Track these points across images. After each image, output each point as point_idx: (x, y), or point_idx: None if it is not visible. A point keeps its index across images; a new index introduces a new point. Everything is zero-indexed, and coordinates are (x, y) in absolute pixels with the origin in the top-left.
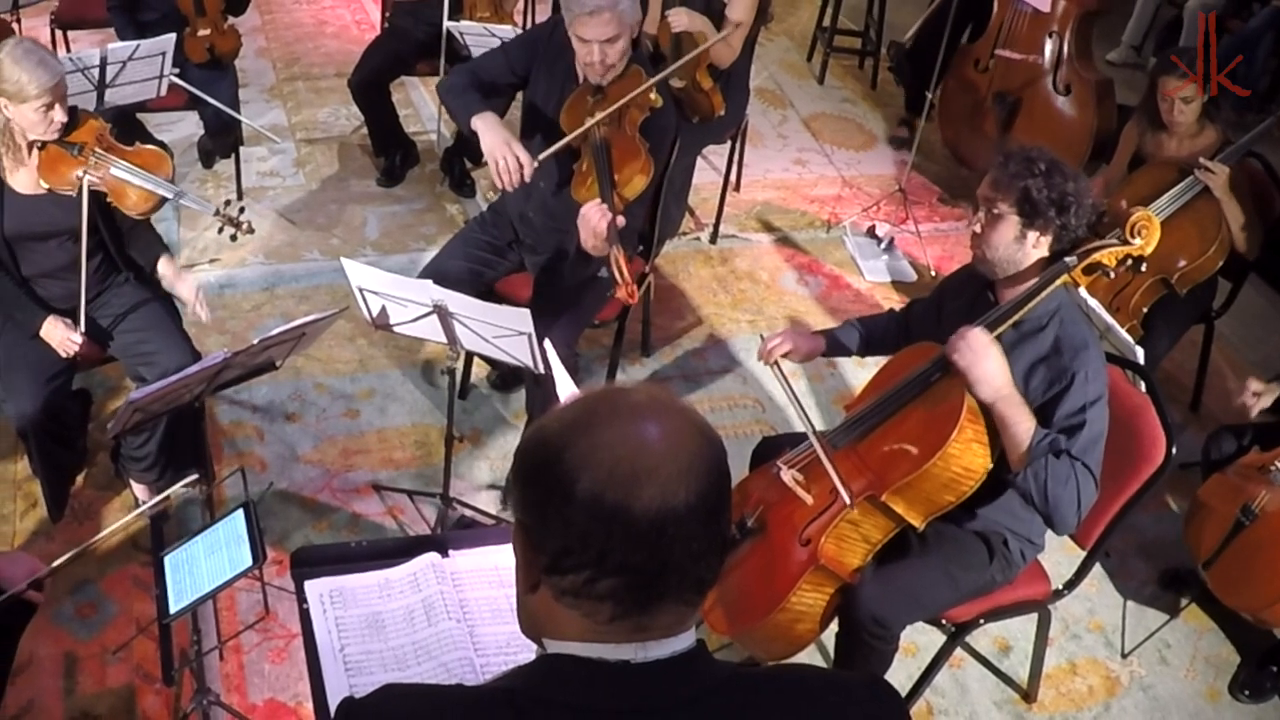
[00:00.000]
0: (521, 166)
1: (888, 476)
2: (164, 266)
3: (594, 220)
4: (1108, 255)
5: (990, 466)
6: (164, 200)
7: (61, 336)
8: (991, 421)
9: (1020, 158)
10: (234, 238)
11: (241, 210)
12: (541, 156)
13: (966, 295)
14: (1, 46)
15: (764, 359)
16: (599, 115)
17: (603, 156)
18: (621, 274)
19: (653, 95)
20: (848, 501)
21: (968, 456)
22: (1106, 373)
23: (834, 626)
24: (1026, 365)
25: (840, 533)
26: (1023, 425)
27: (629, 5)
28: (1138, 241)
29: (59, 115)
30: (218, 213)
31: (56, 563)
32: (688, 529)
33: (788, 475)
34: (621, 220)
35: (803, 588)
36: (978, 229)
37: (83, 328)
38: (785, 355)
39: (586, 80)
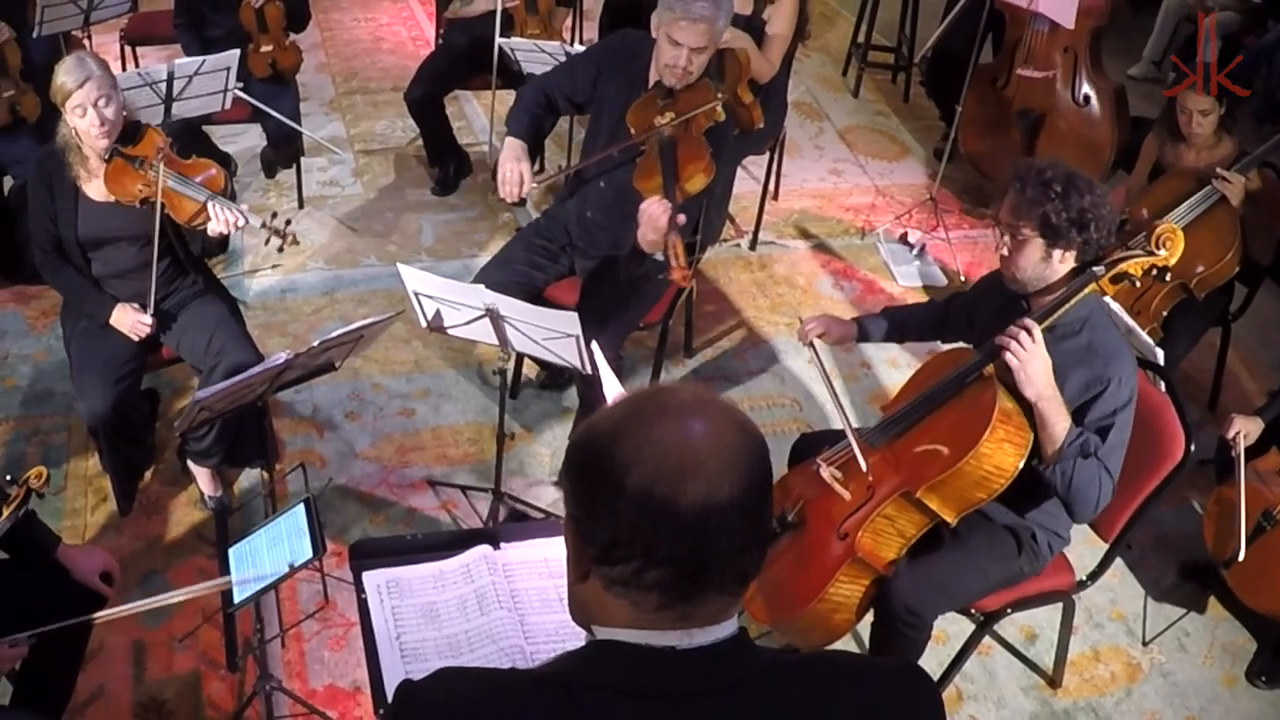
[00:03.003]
0: (522, 180)
1: (923, 474)
2: None
3: (655, 214)
4: (1134, 265)
5: (1020, 466)
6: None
7: (132, 321)
8: (1022, 422)
9: (1036, 181)
10: (281, 249)
11: (288, 223)
12: (542, 179)
13: (998, 301)
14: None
15: (800, 339)
16: (669, 117)
17: (669, 152)
18: (678, 258)
19: (719, 110)
20: (864, 469)
21: (999, 456)
22: (1136, 379)
23: (869, 616)
24: (1064, 364)
25: (876, 527)
26: (1060, 425)
27: (724, 23)
28: (1163, 253)
29: (96, 117)
30: (264, 225)
31: (142, 605)
32: (731, 523)
33: (826, 472)
34: (682, 218)
35: (840, 579)
36: (1005, 252)
37: (151, 309)
38: (820, 336)
39: (659, 83)
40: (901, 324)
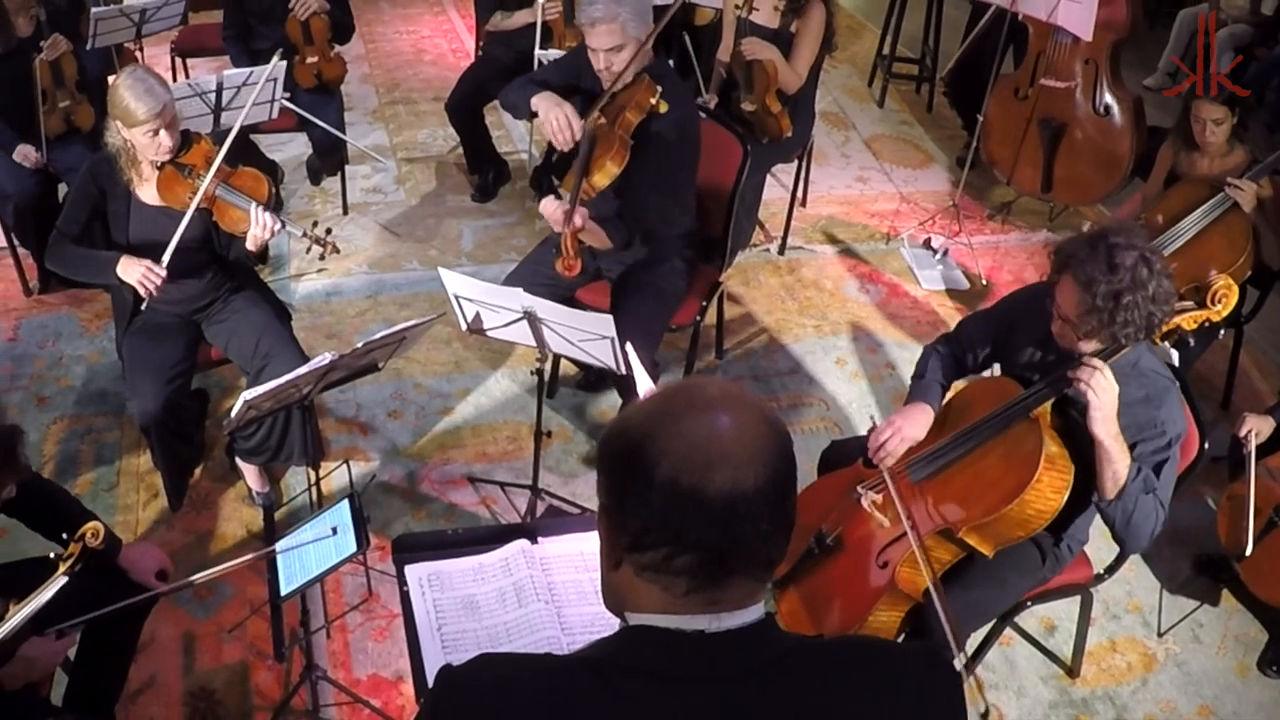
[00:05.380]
0: (570, 122)
1: (965, 516)
2: None
3: (549, 210)
4: (1188, 320)
5: (1061, 506)
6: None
7: (140, 272)
8: (1066, 464)
9: (1106, 291)
10: (322, 257)
11: (328, 232)
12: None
13: (1038, 333)
14: (118, 76)
15: (880, 462)
16: (598, 117)
17: (586, 148)
18: (566, 249)
19: (653, 99)
20: (907, 529)
21: (1041, 501)
22: (1184, 414)
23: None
24: (1120, 406)
25: (914, 558)
26: (1122, 463)
27: (631, 18)
28: (1218, 308)
29: (166, 139)
30: (305, 234)
31: (195, 579)
32: (757, 510)
33: (866, 500)
34: (584, 212)
35: (879, 608)
36: (1059, 332)
37: (166, 258)
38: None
39: (606, 88)
40: (948, 376)
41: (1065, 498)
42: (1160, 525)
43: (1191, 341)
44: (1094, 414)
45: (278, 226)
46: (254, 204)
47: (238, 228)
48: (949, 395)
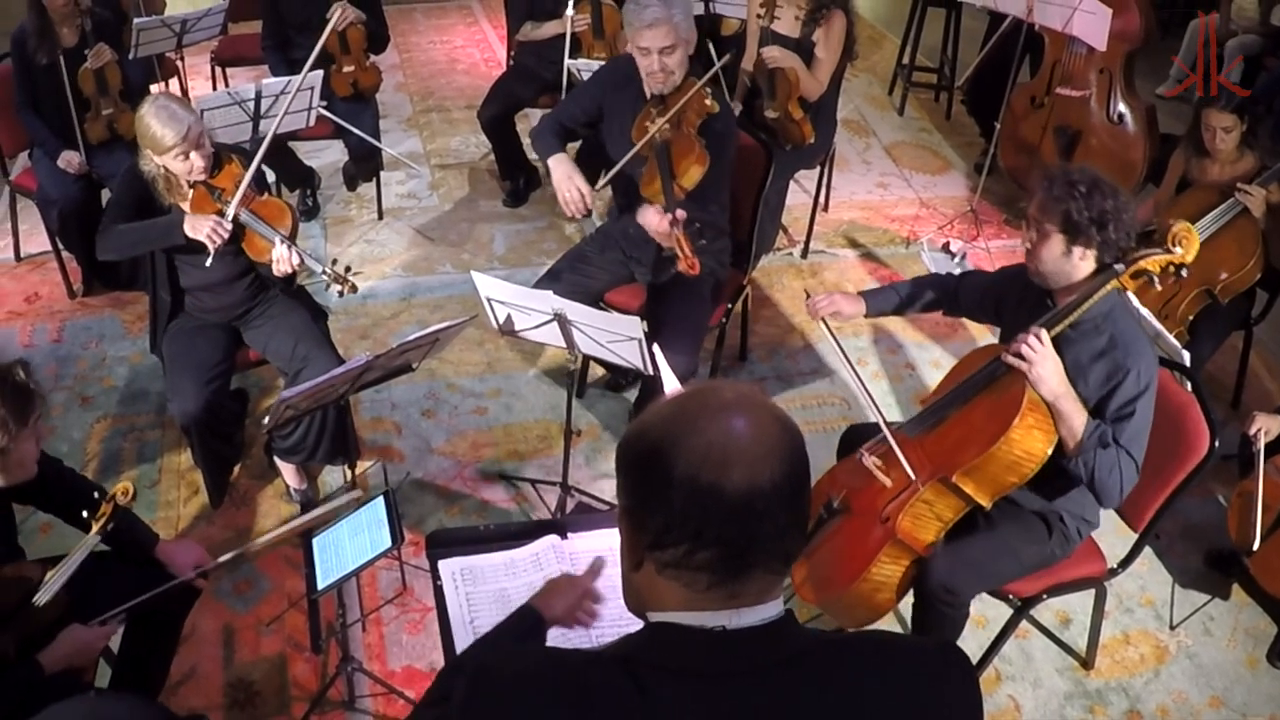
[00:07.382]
0: (583, 196)
1: (958, 459)
2: None
3: (653, 222)
4: (1152, 263)
5: (1050, 452)
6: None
7: (210, 225)
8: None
9: (1062, 181)
10: (340, 294)
11: (348, 269)
12: (599, 185)
13: (1029, 299)
14: (141, 106)
15: (811, 314)
16: (660, 121)
17: (664, 155)
18: (682, 250)
19: (708, 101)
20: (911, 477)
21: (1029, 441)
22: (1155, 367)
23: (909, 597)
24: (1087, 359)
25: (916, 511)
26: (1077, 420)
27: (683, 19)
28: (1179, 250)
29: (198, 160)
30: (324, 271)
31: (222, 558)
32: (773, 505)
33: (869, 460)
34: (682, 213)
35: (882, 560)
36: (1029, 245)
37: (232, 213)
38: (832, 315)
39: (652, 95)
40: (910, 297)
41: (1052, 443)
42: (1130, 479)
43: (1159, 285)
44: (1030, 378)
45: (296, 261)
46: (277, 236)
47: (262, 256)
48: (948, 373)
